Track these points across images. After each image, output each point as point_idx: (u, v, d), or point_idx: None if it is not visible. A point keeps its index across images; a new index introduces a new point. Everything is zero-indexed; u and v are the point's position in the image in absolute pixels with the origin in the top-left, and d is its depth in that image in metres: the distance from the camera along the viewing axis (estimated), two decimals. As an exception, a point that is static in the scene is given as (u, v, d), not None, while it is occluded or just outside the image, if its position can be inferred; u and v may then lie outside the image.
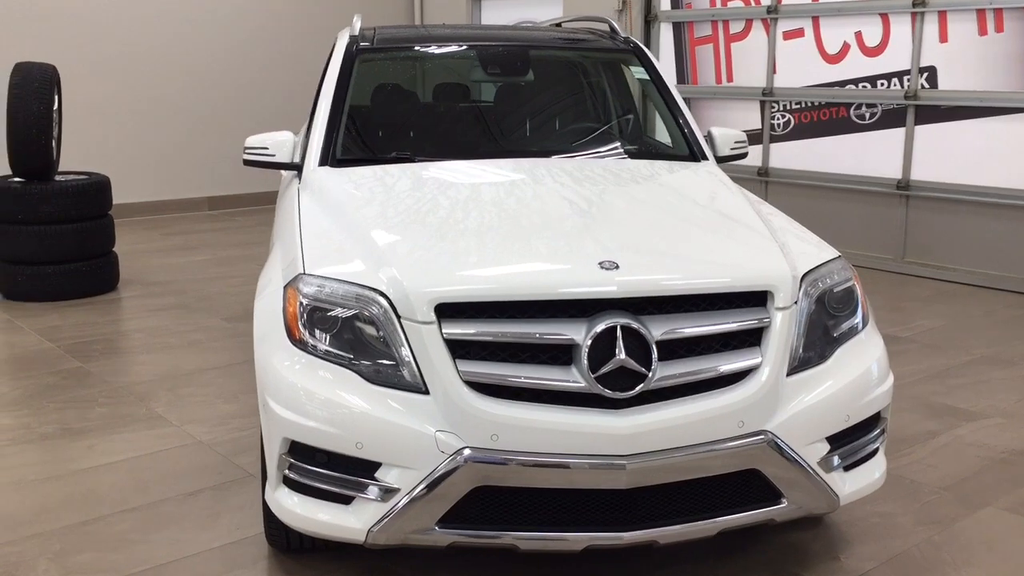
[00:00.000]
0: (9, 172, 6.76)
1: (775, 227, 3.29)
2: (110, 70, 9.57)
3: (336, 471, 2.71)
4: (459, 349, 2.68)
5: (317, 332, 2.79)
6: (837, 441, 2.92)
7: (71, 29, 9.29)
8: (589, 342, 2.65)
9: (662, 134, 4.49)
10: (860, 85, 7.88)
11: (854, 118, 7.97)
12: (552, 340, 2.67)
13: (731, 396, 2.74)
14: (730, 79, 8.83)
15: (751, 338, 2.82)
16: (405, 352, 2.69)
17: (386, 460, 2.66)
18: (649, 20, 9.35)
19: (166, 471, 3.90)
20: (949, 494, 3.74)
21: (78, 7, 9.33)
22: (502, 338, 2.67)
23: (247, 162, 4.04)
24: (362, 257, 2.93)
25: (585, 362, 2.64)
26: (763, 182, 8.63)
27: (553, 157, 3.98)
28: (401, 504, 2.64)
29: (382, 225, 3.16)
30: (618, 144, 4.28)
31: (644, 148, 4.29)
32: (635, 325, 2.67)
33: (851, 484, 2.98)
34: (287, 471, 2.78)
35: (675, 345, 2.75)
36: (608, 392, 2.65)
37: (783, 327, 2.83)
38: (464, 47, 4.54)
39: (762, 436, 2.75)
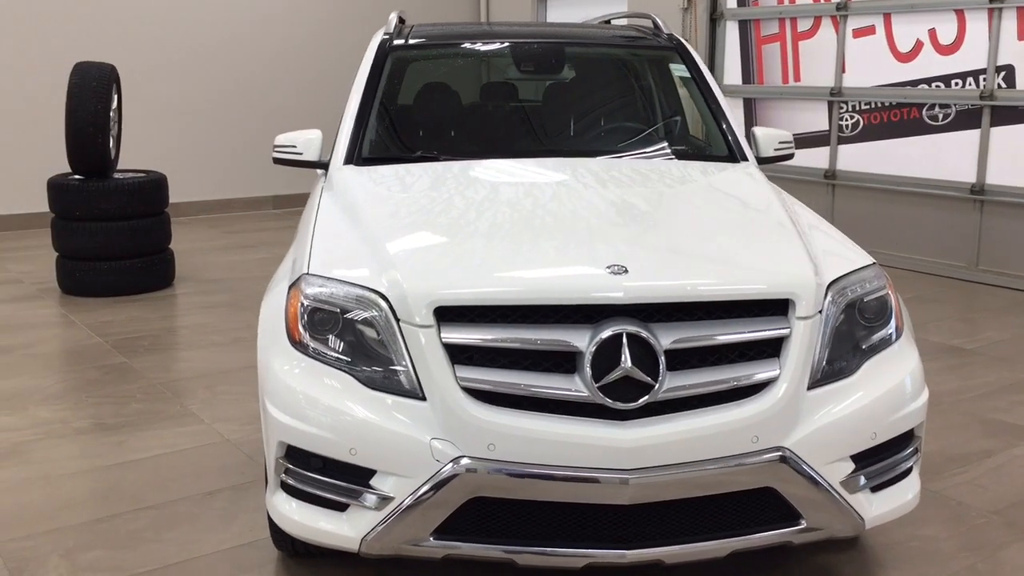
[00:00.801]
0: (69, 170, 6.89)
1: (807, 232, 3.11)
2: (176, 70, 9.73)
3: (331, 477, 2.64)
4: (458, 354, 2.58)
5: (317, 334, 2.72)
6: (863, 460, 2.73)
7: (136, 29, 9.46)
8: (593, 349, 2.52)
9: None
10: (933, 85, 7.55)
11: (926, 119, 7.64)
12: (554, 347, 2.55)
13: (745, 410, 2.59)
14: (797, 79, 8.56)
15: (770, 348, 2.66)
16: (403, 356, 2.61)
17: (381, 467, 2.57)
18: (715, 18, 9.12)
19: (189, 469, 3.89)
20: (998, 518, 3.51)
21: (143, 7, 9.49)
22: (502, 344, 2.56)
23: (276, 160, 4.02)
24: (368, 258, 2.85)
25: (588, 371, 2.52)
26: (830, 185, 8.35)
27: (582, 157, 3.85)
28: (395, 513, 2.55)
29: (393, 225, 3.07)
30: (654, 144, 4.13)
31: (682, 148, 4.12)
32: (642, 333, 2.54)
33: (879, 506, 2.79)
34: (284, 476, 2.72)
35: (686, 354, 2.61)
36: (612, 403, 2.52)
37: (804, 338, 2.66)
38: (499, 44, 4.44)
39: (778, 453, 2.59)
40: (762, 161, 4.10)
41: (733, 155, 3.99)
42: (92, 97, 6.39)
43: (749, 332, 2.64)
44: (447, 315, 2.60)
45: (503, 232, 2.97)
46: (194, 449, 4.09)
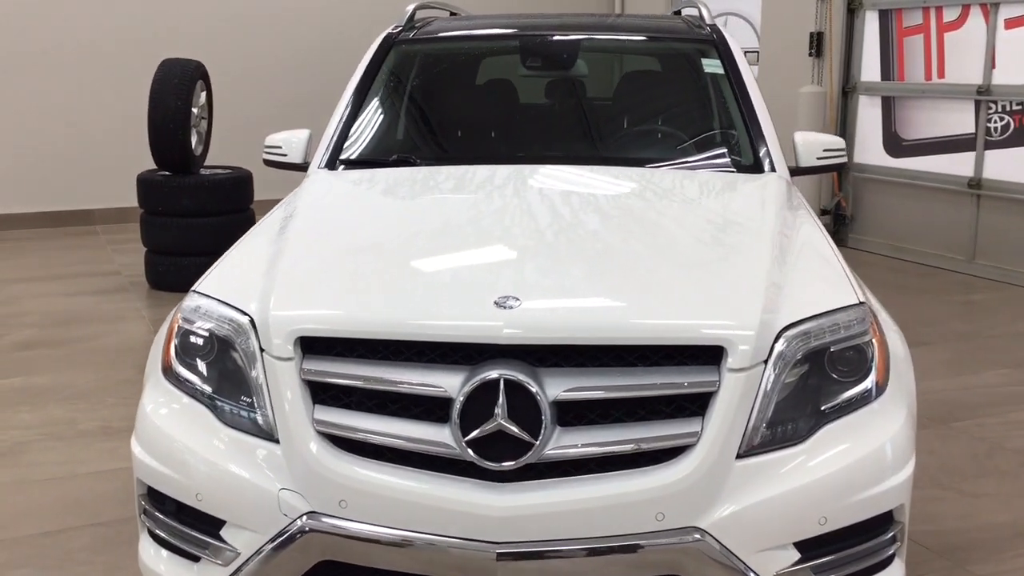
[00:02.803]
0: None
1: (787, 263, 2.57)
2: (264, 67, 9.68)
3: (184, 524, 2.35)
4: (321, 393, 2.24)
5: (186, 360, 2.45)
6: (813, 549, 2.21)
7: (226, 27, 9.52)
8: (463, 397, 2.13)
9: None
10: (1095, 82, 6.56)
11: (1086, 122, 6.65)
12: (422, 391, 2.17)
13: (649, 480, 2.12)
14: (941, 75, 7.67)
15: (693, 405, 2.18)
16: (262, 391, 2.29)
17: (230, 518, 2.27)
18: (853, 8, 8.31)
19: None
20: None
21: (236, 5, 9.57)
22: (365, 384, 2.20)
23: (266, 162, 3.79)
24: (261, 277, 2.54)
25: (457, 421, 2.13)
26: (974, 195, 7.42)
27: (575, 164, 3.40)
28: (239, 572, 2.25)
29: (307, 241, 2.75)
30: (664, 150, 3.63)
31: (696, 157, 3.59)
32: (524, 379, 2.11)
33: (836, 607, 2.25)
34: (143, 517, 2.46)
35: (584, 408, 2.16)
36: (482, 462, 2.12)
37: (735, 394, 2.16)
38: (507, 39, 4.04)
39: (691, 536, 2.11)
40: (804, 171, 3.54)
41: (760, 165, 3.43)
42: (173, 94, 6.42)
43: (662, 385, 2.16)
44: (314, 347, 2.27)
45: (411, 253, 2.60)
46: (179, 461, 3.93)
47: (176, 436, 2.35)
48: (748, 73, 3.70)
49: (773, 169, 3.39)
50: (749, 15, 9.65)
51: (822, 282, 2.52)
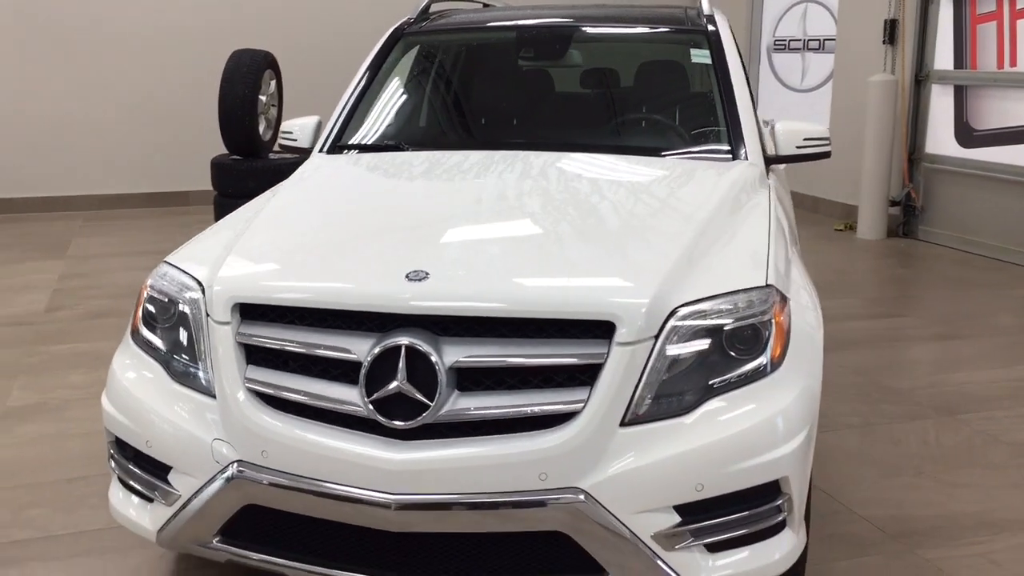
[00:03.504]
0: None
1: (713, 244, 2.70)
2: (331, 57, 9.99)
3: (140, 468, 2.64)
4: (253, 355, 2.50)
5: (150, 323, 2.74)
6: (693, 514, 2.34)
7: (296, 18, 9.88)
8: (369, 361, 2.35)
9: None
10: None
11: None
12: (335, 354, 2.40)
13: (534, 443, 2.29)
14: (1013, 63, 7.45)
15: (584, 375, 2.34)
16: (205, 352, 2.56)
17: (174, 464, 2.54)
18: (927, -5, 8.14)
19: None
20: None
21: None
22: (287, 347, 2.45)
23: (281, 146, 4.08)
24: (222, 248, 2.82)
25: (363, 383, 2.35)
26: (1043, 187, 7.21)
27: (555, 151, 3.54)
28: (180, 511, 2.52)
29: (271, 217, 3.03)
30: (635, 138, 3.76)
31: (668, 144, 3.69)
32: (422, 347, 2.32)
33: (719, 569, 2.37)
34: (111, 463, 2.76)
35: (481, 375, 2.35)
36: (384, 420, 2.33)
37: (621, 366, 2.31)
38: (510, 30, 4.21)
39: (570, 495, 2.28)
40: (781, 160, 3.61)
41: (731, 153, 3.52)
42: (241, 82, 6.81)
43: (552, 355, 2.33)
44: (250, 313, 2.52)
45: (352, 230, 2.84)
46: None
47: (134, 391, 2.65)
48: (736, 64, 3.78)
49: (745, 157, 3.47)
50: (828, 2, 9.51)
51: (736, 264, 2.63)
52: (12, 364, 5.06)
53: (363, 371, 2.35)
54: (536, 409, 2.31)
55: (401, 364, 2.32)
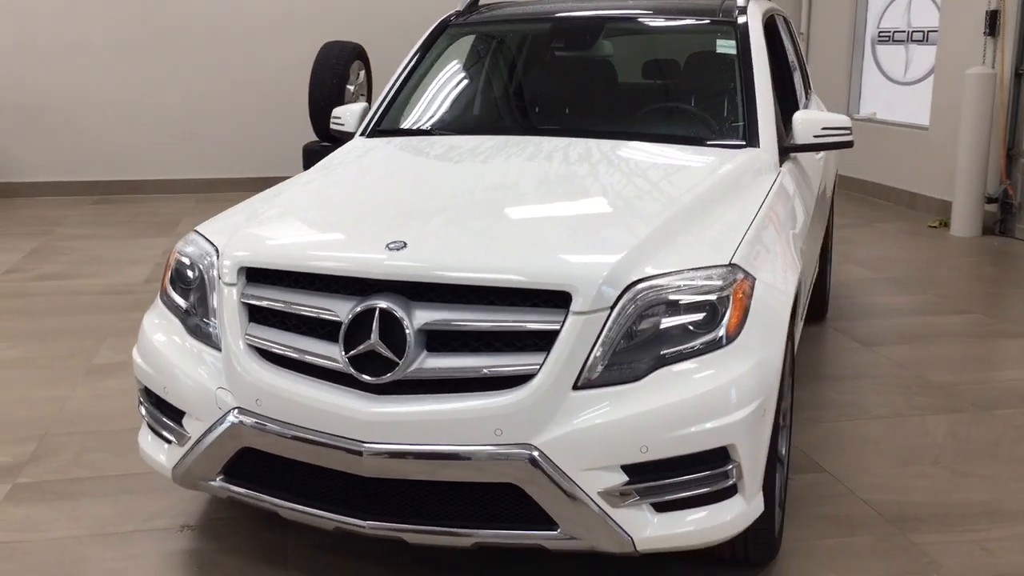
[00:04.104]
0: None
1: (691, 224, 2.84)
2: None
3: (161, 412, 2.96)
4: (255, 313, 2.77)
5: (176, 285, 3.05)
6: (640, 474, 2.49)
7: (383, 10, 10.21)
8: (347, 321, 2.59)
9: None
10: None
11: None
12: (320, 315, 2.65)
13: (491, 401, 2.49)
14: (1116, 56, 7.15)
15: (541, 341, 2.52)
16: (215, 310, 2.85)
17: (187, 409, 2.85)
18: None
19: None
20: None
21: None
22: (280, 307, 2.71)
23: (331, 131, 4.37)
24: (244, 219, 3.11)
25: (342, 341, 2.59)
26: None
27: (576, 137, 3.70)
28: (189, 451, 2.82)
29: (297, 193, 3.32)
30: (664, 126, 3.88)
31: (683, 130, 3.81)
32: (395, 310, 2.55)
33: (663, 528, 2.52)
34: (140, 409, 3.09)
35: (448, 337, 2.56)
36: (359, 375, 2.57)
37: (575, 333, 2.48)
38: (544, 22, 4.38)
39: (522, 451, 2.46)
40: (799, 148, 3.69)
41: (744, 141, 3.62)
42: (330, 73, 7.20)
43: (513, 321, 2.52)
44: (254, 276, 2.80)
45: (354, 205, 3.10)
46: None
47: (157, 345, 2.96)
48: (760, 55, 3.85)
49: (757, 145, 3.56)
50: (932, -7, 9.28)
51: (706, 243, 2.77)
52: (105, 327, 5.53)
53: (343, 330, 2.59)
54: (495, 370, 2.51)
55: (375, 325, 2.55)
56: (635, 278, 2.56)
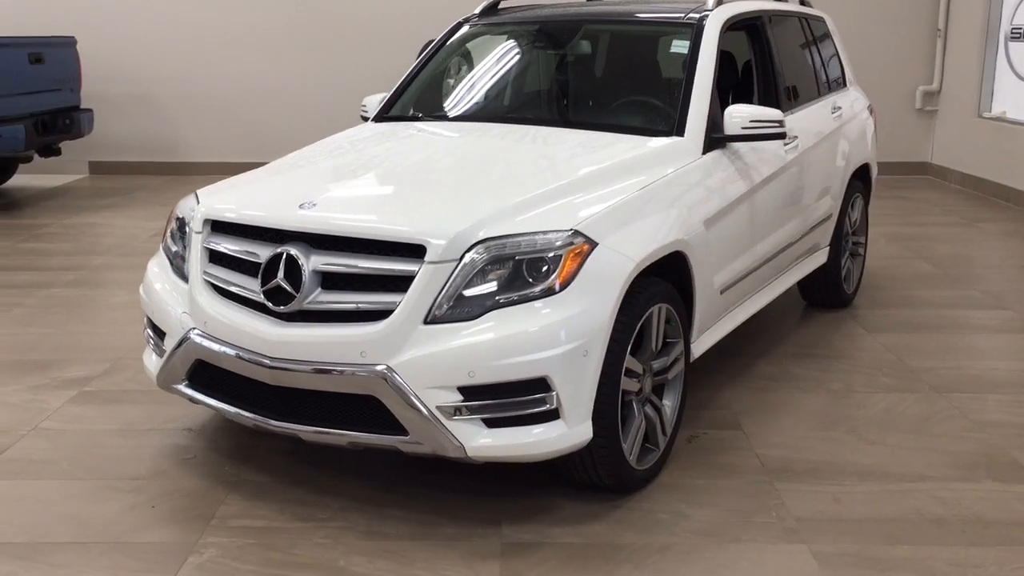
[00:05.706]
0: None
1: (567, 195, 3.41)
2: None
3: (155, 333, 3.79)
4: (214, 256, 3.55)
5: (173, 237, 3.87)
6: (473, 395, 3.08)
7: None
8: (264, 263, 3.32)
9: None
10: None
11: None
12: (250, 258, 3.40)
13: (358, 330, 3.16)
14: None
15: (404, 284, 3.16)
16: (187, 253, 3.66)
17: (166, 329, 3.66)
18: None
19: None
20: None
21: None
22: (226, 251, 3.49)
23: (362, 117, 5.12)
24: (228, 183, 3.92)
25: (260, 279, 3.32)
26: None
27: (538, 126, 4.34)
28: (164, 360, 3.64)
29: (288, 163, 4.11)
30: (607, 117, 4.41)
31: (621, 120, 4.34)
32: (297, 255, 3.25)
33: (492, 439, 3.10)
34: (144, 332, 3.93)
35: (337, 278, 3.24)
36: (269, 304, 3.29)
37: (426, 278, 3.11)
38: (543, 23, 4.97)
39: (379, 369, 3.11)
40: (730, 139, 4.11)
41: (671, 130, 4.08)
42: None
43: (383, 268, 3.18)
44: (217, 227, 3.58)
45: (305, 172, 3.88)
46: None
47: (153, 282, 3.81)
48: (708, 56, 4.27)
49: (680, 134, 4.03)
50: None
51: (563, 211, 3.32)
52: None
53: (260, 270, 3.32)
54: (364, 305, 3.17)
55: (282, 265, 3.27)
56: (482, 237, 3.15)
